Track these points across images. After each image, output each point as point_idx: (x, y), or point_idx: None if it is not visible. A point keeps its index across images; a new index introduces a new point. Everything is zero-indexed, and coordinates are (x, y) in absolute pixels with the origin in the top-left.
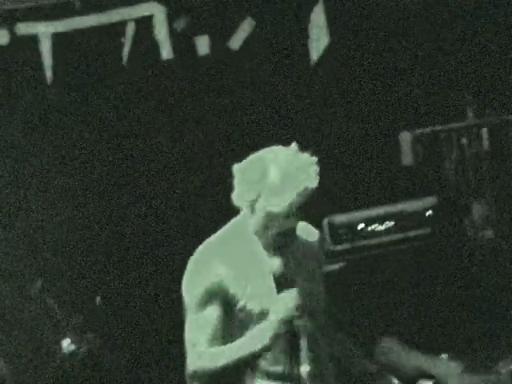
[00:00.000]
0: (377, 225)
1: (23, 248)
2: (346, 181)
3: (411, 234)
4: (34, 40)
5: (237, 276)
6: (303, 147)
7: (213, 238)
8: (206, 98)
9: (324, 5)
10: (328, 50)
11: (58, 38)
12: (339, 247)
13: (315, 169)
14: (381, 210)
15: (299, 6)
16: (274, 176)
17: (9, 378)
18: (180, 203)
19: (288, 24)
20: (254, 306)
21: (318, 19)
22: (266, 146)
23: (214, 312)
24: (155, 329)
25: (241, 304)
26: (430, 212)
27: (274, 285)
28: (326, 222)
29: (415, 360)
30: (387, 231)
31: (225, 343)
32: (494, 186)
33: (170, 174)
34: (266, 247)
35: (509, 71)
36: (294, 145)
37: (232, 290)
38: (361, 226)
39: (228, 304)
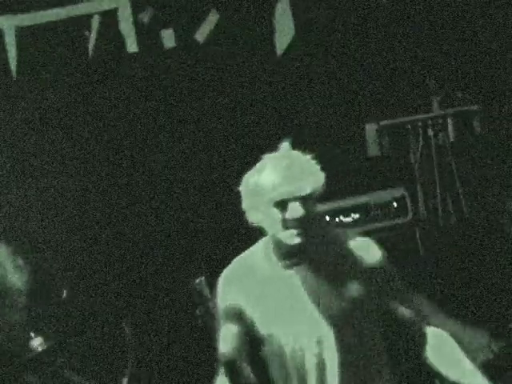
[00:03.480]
0: (343, 217)
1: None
2: None
3: (377, 225)
4: None
5: (251, 300)
6: (269, 139)
7: (238, 257)
8: (172, 91)
9: None
10: (294, 42)
11: (23, 32)
12: None
13: (282, 178)
14: (347, 202)
15: None
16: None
17: None
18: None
19: (253, 16)
20: (263, 330)
21: (283, 11)
22: (232, 137)
23: (233, 329)
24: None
25: (256, 328)
26: (396, 203)
27: (287, 306)
28: None
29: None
30: (354, 223)
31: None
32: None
33: (125, 163)
34: (282, 265)
35: (473, 61)
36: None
37: (248, 314)
38: (327, 218)
39: (249, 327)
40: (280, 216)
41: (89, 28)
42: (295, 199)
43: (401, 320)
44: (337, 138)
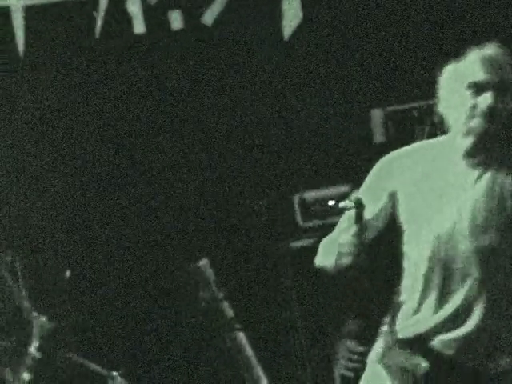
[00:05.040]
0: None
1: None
2: (317, 157)
3: None
4: (6, 12)
5: (411, 186)
6: (275, 124)
7: (415, 144)
8: (178, 73)
9: None
10: (301, 27)
11: (30, 11)
12: (310, 223)
13: (487, 62)
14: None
15: None
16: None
17: None
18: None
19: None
20: (409, 218)
21: None
22: (237, 121)
23: (378, 203)
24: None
25: (402, 215)
26: None
27: (447, 204)
28: (296, 198)
29: None
30: None
31: None
32: None
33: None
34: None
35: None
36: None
37: (400, 198)
38: (331, 202)
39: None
40: (472, 102)
41: (96, 8)
42: (493, 88)
43: None
44: (343, 123)
